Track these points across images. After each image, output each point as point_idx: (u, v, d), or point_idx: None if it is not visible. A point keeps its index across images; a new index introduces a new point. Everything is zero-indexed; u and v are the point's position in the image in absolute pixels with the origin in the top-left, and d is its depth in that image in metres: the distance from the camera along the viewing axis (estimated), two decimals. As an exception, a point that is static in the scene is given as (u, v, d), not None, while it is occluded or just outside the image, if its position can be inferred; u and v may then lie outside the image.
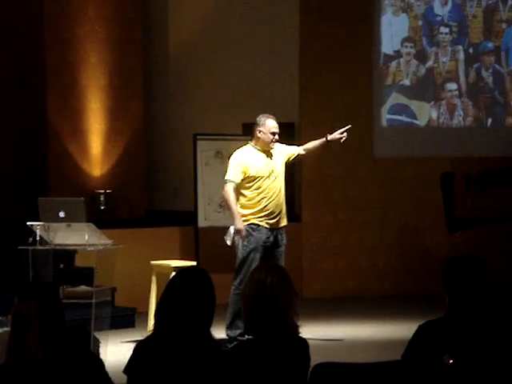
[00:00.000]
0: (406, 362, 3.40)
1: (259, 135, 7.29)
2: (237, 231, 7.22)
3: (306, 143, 7.73)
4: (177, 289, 3.45)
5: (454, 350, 3.31)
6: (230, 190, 7.24)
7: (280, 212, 7.32)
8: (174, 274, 3.61)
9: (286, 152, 7.48)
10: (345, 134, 7.52)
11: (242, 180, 7.27)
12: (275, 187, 7.30)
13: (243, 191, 7.30)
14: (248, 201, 7.27)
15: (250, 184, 7.27)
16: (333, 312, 9.31)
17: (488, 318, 3.39)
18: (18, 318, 3.25)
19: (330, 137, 7.54)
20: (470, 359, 3.29)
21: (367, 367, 3.48)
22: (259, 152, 7.32)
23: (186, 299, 3.40)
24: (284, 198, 7.38)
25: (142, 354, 3.40)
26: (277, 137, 7.31)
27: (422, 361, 3.34)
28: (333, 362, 3.43)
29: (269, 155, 7.34)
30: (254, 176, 7.26)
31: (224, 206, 7.52)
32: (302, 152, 7.60)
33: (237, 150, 7.40)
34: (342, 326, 8.52)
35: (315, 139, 7.67)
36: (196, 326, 3.40)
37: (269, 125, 7.28)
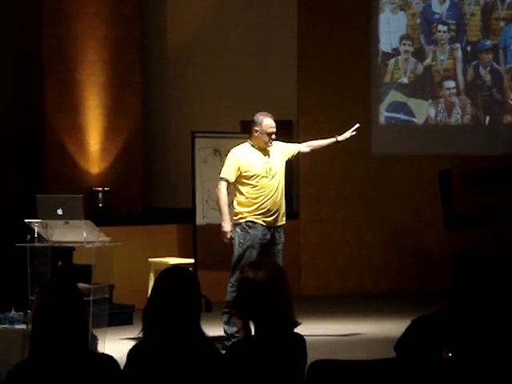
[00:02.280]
0: (398, 353, 3.40)
1: (256, 134, 7.29)
2: (222, 233, 7.23)
3: (305, 141, 7.73)
4: (162, 290, 3.44)
5: (451, 345, 3.30)
6: (221, 188, 7.25)
7: (278, 210, 7.30)
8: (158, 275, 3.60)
9: (285, 150, 7.46)
10: (354, 132, 7.57)
11: (238, 177, 7.27)
12: (273, 185, 7.29)
13: (240, 188, 7.29)
14: (245, 198, 7.27)
15: (247, 182, 7.26)
16: (330, 309, 9.32)
17: (491, 315, 3.38)
18: (38, 316, 3.23)
19: (340, 138, 7.58)
20: (467, 354, 3.29)
21: (365, 364, 3.49)
22: (256, 150, 7.31)
23: (173, 299, 3.39)
24: (283, 196, 7.36)
25: (136, 360, 3.39)
26: (273, 136, 7.31)
27: (414, 354, 3.33)
28: (330, 359, 3.43)
29: (266, 153, 7.33)
30: (251, 174, 7.25)
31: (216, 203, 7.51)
32: (305, 149, 7.59)
33: (234, 147, 7.40)
34: (340, 323, 8.53)
35: (318, 138, 7.68)
36: (186, 323, 3.40)
37: (266, 124, 7.25)
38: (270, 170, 7.29)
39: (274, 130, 7.29)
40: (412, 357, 3.34)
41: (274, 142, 7.36)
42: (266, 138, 7.25)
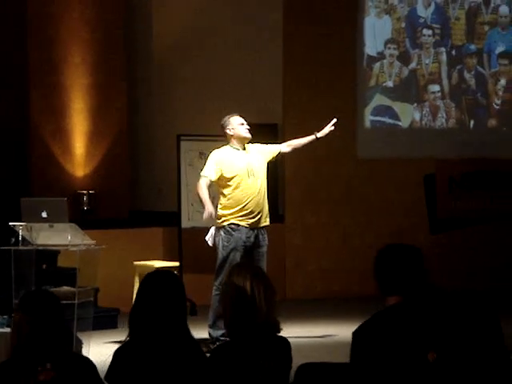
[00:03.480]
0: (354, 370, 3.30)
1: (231, 133, 7.33)
2: (209, 214, 7.12)
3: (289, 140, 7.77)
4: (147, 293, 3.45)
5: (402, 342, 3.24)
6: (202, 183, 7.25)
7: (261, 211, 7.31)
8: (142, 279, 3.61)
9: (266, 151, 7.49)
10: (333, 127, 7.58)
11: (220, 179, 7.28)
12: (255, 186, 7.30)
13: (223, 190, 7.31)
14: (227, 200, 7.28)
15: (229, 183, 7.28)
16: (316, 313, 9.32)
17: (426, 303, 3.34)
18: (15, 325, 3.31)
19: (319, 134, 7.60)
20: (418, 348, 3.23)
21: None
22: (237, 151, 7.35)
23: (158, 302, 3.40)
24: (266, 197, 7.37)
25: (122, 360, 3.40)
26: (247, 127, 7.34)
27: (373, 364, 3.24)
28: (317, 362, 3.44)
29: (248, 154, 7.37)
30: (233, 175, 7.27)
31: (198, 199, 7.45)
32: (286, 149, 7.62)
33: (215, 149, 7.41)
34: (325, 326, 8.53)
35: (300, 137, 7.70)
36: (172, 326, 3.41)
37: (234, 119, 7.34)
38: (252, 170, 7.31)
39: (244, 121, 7.33)
40: (368, 367, 3.25)
41: (254, 145, 7.41)
42: (242, 130, 7.29)
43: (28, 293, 3.46)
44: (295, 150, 7.69)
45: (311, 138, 7.62)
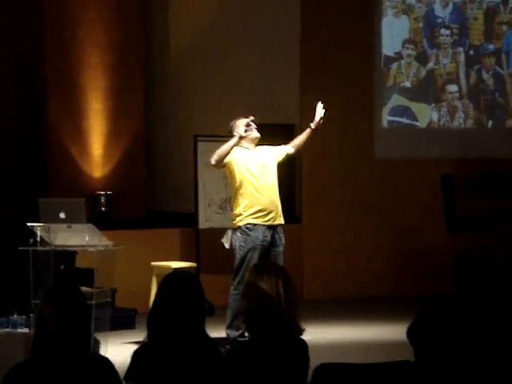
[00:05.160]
0: (411, 336, 3.40)
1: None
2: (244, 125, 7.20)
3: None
4: (167, 294, 3.46)
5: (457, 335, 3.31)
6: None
7: (275, 209, 7.34)
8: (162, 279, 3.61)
9: (276, 152, 7.54)
10: (322, 111, 7.53)
11: (233, 177, 7.31)
12: (268, 184, 7.35)
13: (236, 187, 7.34)
14: (242, 197, 7.31)
15: (243, 182, 7.31)
16: (332, 313, 9.31)
17: (495, 312, 3.43)
18: (41, 319, 3.28)
19: (313, 125, 7.57)
20: (473, 346, 3.30)
21: (370, 368, 3.49)
22: (248, 150, 7.39)
23: (177, 303, 3.41)
24: (278, 195, 7.40)
25: (141, 360, 3.41)
26: (255, 126, 7.39)
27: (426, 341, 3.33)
28: (335, 363, 3.44)
29: (258, 153, 7.43)
30: (246, 173, 7.31)
31: (220, 156, 7.43)
32: (292, 150, 7.63)
33: None
34: (342, 327, 8.52)
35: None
36: (190, 327, 3.41)
37: (241, 121, 7.38)
38: (265, 167, 7.36)
39: (248, 120, 7.39)
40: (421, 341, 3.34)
41: (263, 146, 7.47)
42: (249, 126, 7.31)
43: (58, 286, 3.42)
44: (299, 148, 7.68)
45: (308, 131, 7.62)
